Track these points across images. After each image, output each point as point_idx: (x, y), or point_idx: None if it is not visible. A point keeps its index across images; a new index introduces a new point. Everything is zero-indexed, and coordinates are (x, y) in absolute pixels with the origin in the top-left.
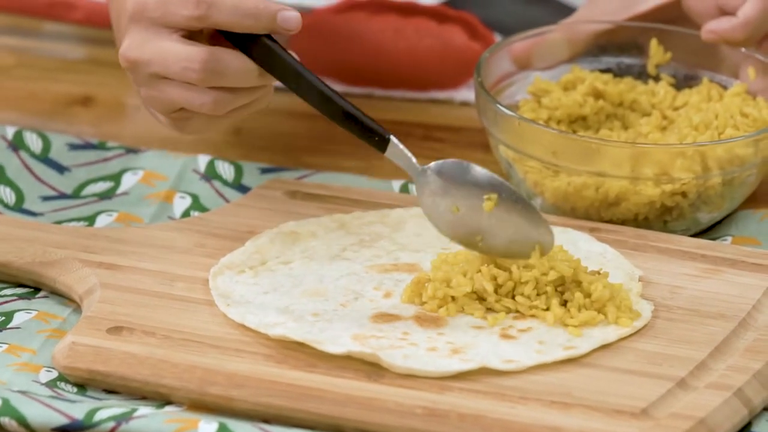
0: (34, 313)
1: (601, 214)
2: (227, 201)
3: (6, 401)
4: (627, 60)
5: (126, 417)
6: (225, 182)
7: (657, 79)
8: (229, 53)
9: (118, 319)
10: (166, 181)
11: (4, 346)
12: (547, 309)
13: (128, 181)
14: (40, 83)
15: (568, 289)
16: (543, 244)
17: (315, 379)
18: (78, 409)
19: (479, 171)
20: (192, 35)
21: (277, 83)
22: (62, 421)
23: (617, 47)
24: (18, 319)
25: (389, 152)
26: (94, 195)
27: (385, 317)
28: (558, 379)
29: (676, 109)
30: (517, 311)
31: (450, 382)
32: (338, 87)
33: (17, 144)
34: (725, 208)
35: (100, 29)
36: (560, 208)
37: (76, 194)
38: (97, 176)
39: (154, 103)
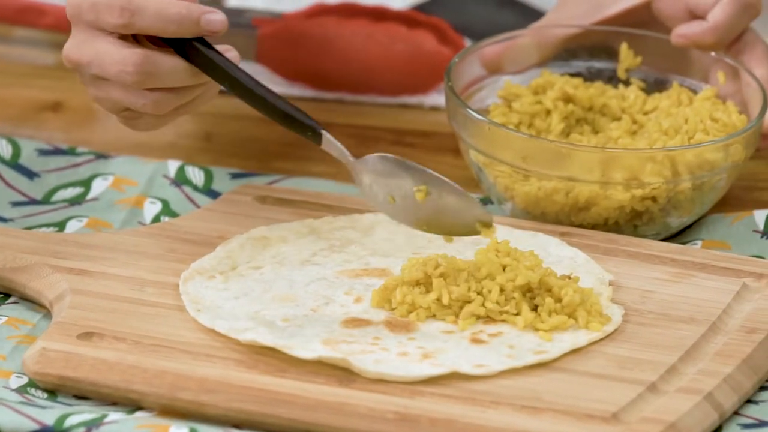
0: (4, 318)
1: (572, 219)
2: (197, 206)
3: None
4: (597, 64)
5: (97, 423)
6: (195, 187)
7: (627, 83)
8: (162, 56)
9: (89, 325)
10: (136, 187)
11: None
12: (518, 314)
13: (98, 186)
14: (10, 89)
15: (538, 294)
16: (484, 220)
17: (286, 384)
18: (48, 415)
19: (403, 163)
20: (132, 35)
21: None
22: (33, 427)
23: (587, 51)
24: None
25: (324, 145)
26: (64, 201)
27: (355, 322)
28: (528, 384)
29: (646, 113)
30: (487, 316)
31: (421, 387)
32: (309, 92)
33: None
34: (695, 213)
35: (69, 35)
36: (531, 213)
37: (46, 200)
38: (67, 182)
39: (101, 102)
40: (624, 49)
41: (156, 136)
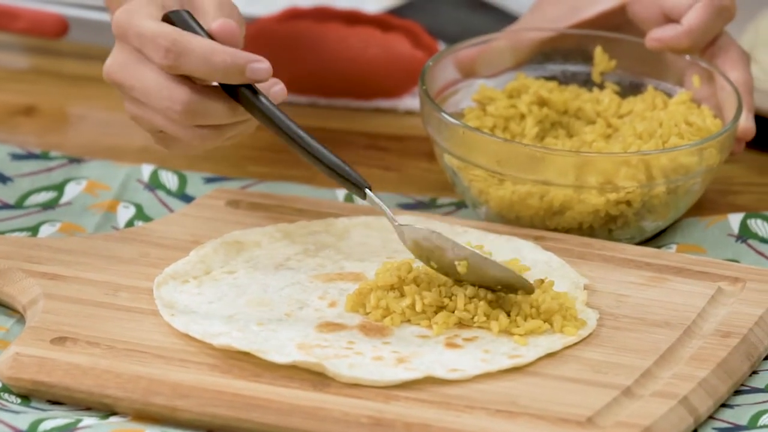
0: None
1: (546, 223)
2: (171, 211)
3: None
4: (572, 67)
5: (70, 428)
6: (169, 192)
7: (602, 86)
8: (209, 97)
9: (62, 330)
10: (109, 191)
11: None
12: (487, 318)
13: (71, 191)
14: None
15: (514, 302)
16: (526, 288)
17: (260, 388)
18: (22, 420)
19: (446, 240)
20: None
21: None
22: None
23: (562, 55)
24: None
25: (368, 200)
26: (37, 205)
27: (330, 326)
28: (503, 388)
29: (620, 116)
30: (460, 322)
31: (395, 392)
32: None
33: None
34: (670, 217)
35: (43, 39)
36: (505, 217)
37: (19, 204)
38: (40, 186)
39: (137, 121)
40: (599, 52)
41: (129, 141)
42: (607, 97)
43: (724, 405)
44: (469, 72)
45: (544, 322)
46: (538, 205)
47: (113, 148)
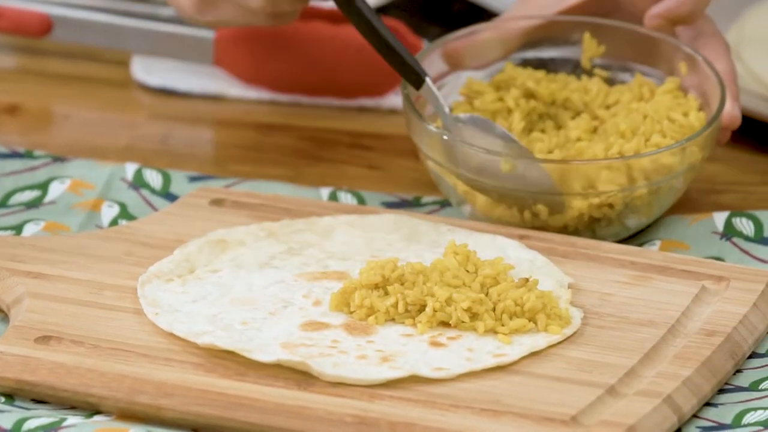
0: None
1: (529, 226)
2: (155, 209)
3: None
4: (561, 54)
5: (55, 427)
6: (153, 191)
7: (591, 73)
8: None
9: (47, 329)
10: (93, 190)
11: None
12: (472, 318)
13: (55, 189)
14: None
15: (499, 300)
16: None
17: (244, 387)
18: (6, 419)
19: (500, 130)
20: None
21: None
22: None
23: (551, 42)
24: None
25: (423, 91)
26: (21, 204)
27: (314, 325)
28: (488, 387)
29: (608, 107)
30: (443, 322)
31: (380, 390)
32: (266, 95)
33: None
34: (653, 214)
35: (27, 38)
36: (489, 217)
37: (2, 203)
38: (24, 185)
39: (212, 23)
40: (587, 38)
41: (113, 140)
42: (595, 86)
43: (708, 404)
44: (457, 64)
45: (529, 320)
46: (521, 213)
47: (97, 147)
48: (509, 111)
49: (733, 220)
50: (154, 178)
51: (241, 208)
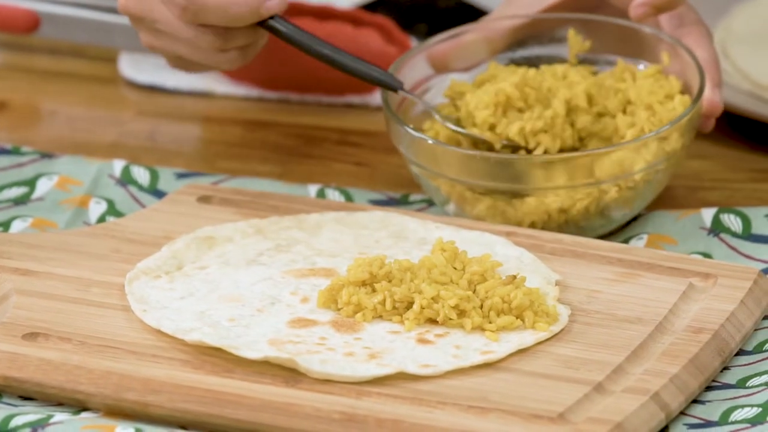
0: None
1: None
2: (143, 206)
3: None
4: (547, 52)
5: (42, 423)
6: (141, 187)
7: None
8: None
9: (34, 325)
10: (81, 186)
11: None
12: (460, 316)
13: (43, 186)
14: None
15: (486, 298)
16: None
17: (232, 384)
18: None
19: None
20: None
21: None
22: None
23: (537, 41)
24: None
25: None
26: (8, 200)
27: (302, 322)
28: (475, 384)
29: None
30: (430, 319)
31: (367, 387)
32: (254, 92)
33: None
34: (636, 206)
35: (14, 34)
36: (476, 215)
37: None
38: (11, 181)
39: (156, 50)
40: (572, 35)
41: (100, 136)
42: (578, 74)
43: (695, 401)
44: (442, 67)
45: (516, 318)
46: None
47: (84, 143)
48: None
49: (721, 216)
50: (141, 174)
51: (228, 205)
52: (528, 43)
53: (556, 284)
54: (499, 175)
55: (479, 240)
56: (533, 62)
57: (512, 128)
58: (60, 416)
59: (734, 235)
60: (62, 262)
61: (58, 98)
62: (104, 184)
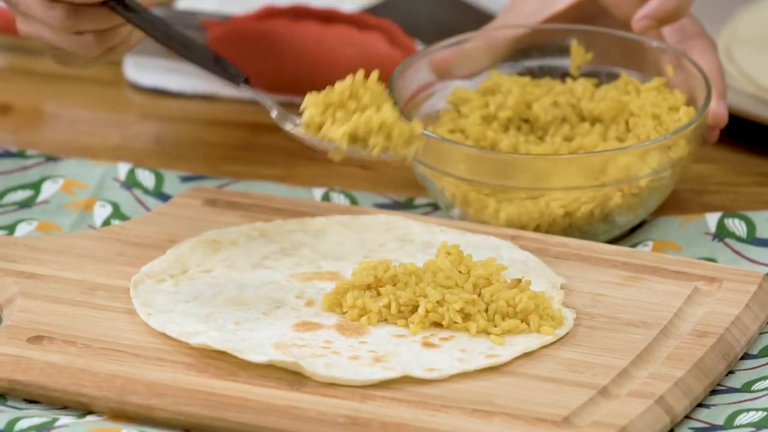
0: None
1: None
2: (148, 209)
3: None
4: (549, 62)
5: (47, 427)
6: (146, 190)
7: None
8: (84, 10)
9: (39, 329)
10: (86, 190)
11: None
12: (465, 319)
13: (48, 189)
14: None
15: (491, 301)
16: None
17: (236, 387)
18: None
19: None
20: None
21: None
22: None
23: (539, 50)
24: None
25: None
26: (13, 203)
27: (306, 326)
28: (480, 388)
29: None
30: (435, 323)
31: (372, 391)
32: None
33: None
34: (641, 213)
35: (18, 37)
36: (480, 219)
37: None
38: (16, 184)
39: (31, 37)
40: (574, 46)
41: (105, 139)
42: (580, 86)
43: (700, 405)
44: (444, 74)
45: (521, 321)
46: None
47: (89, 146)
48: (494, 117)
49: (726, 221)
50: (146, 177)
51: (233, 209)
52: (530, 53)
53: (561, 288)
54: (505, 173)
55: (484, 243)
56: (535, 73)
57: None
58: (65, 419)
59: (739, 239)
60: (67, 266)
61: (62, 101)
62: (109, 187)
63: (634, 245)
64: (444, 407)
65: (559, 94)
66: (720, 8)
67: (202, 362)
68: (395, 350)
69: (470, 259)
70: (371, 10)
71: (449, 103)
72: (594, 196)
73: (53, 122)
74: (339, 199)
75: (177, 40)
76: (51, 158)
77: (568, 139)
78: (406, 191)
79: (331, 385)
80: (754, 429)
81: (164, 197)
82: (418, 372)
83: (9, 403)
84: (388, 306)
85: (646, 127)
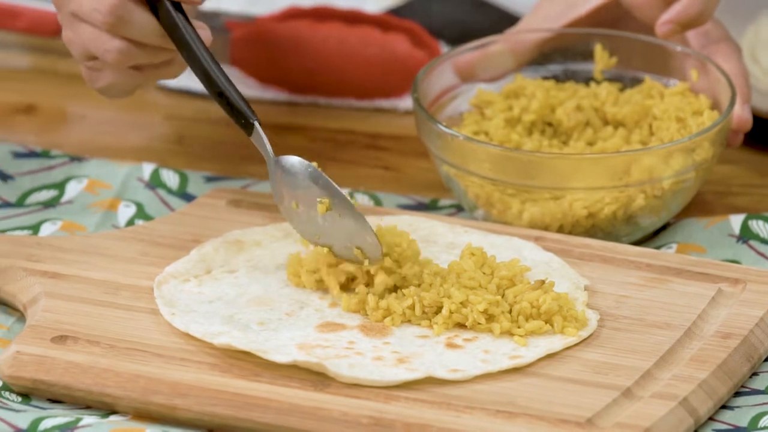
0: None
1: (547, 228)
2: (172, 209)
3: None
4: (573, 66)
5: (71, 426)
6: (170, 191)
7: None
8: (137, 7)
9: (63, 328)
10: (110, 190)
11: None
12: (489, 320)
13: (72, 189)
14: None
15: (515, 302)
16: (367, 253)
17: (260, 388)
18: (22, 418)
19: (316, 173)
20: None
21: None
22: (6, 430)
23: (562, 54)
24: None
25: (253, 138)
26: (38, 203)
27: (330, 326)
28: (503, 389)
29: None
30: (459, 324)
31: (396, 392)
32: (282, 96)
33: None
34: (663, 215)
35: (43, 38)
36: (504, 220)
37: (20, 203)
38: (41, 185)
39: (71, 46)
40: (598, 50)
41: (129, 139)
42: (604, 90)
43: (724, 406)
44: (468, 76)
45: (545, 322)
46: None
47: (113, 146)
48: (518, 120)
49: (750, 222)
50: (170, 178)
51: (257, 209)
52: (554, 56)
53: (585, 289)
54: (528, 173)
55: (508, 244)
56: (559, 77)
57: None
58: (88, 419)
59: (763, 241)
60: (91, 266)
61: (86, 101)
62: (133, 188)
63: (658, 248)
64: (467, 408)
65: (582, 98)
66: (743, 10)
67: (225, 362)
68: (419, 351)
69: (494, 260)
70: (395, 11)
71: (473, 106)
72: (617, 197)
73: (78, 123)
74: (363, 200)
75: (198, 66)
76: (75, 158)
77: (591, 143)
78: (430, 193)
79: (355, 386)
80: None
81: (188, 197)
82: (441, 373)
83: (33, 402)
84: (412, 307)
85: (670, 130)
